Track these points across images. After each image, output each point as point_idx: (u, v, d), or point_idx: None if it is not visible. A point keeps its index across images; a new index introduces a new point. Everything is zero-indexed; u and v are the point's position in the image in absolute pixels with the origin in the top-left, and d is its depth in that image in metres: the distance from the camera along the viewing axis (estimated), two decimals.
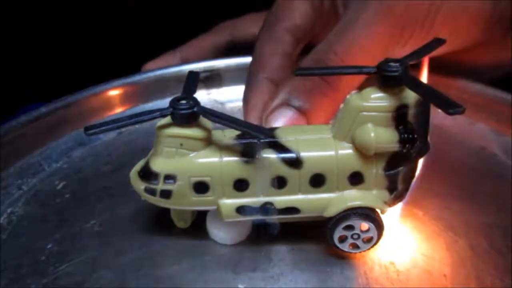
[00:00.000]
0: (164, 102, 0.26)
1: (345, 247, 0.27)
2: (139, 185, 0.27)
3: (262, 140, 0.26)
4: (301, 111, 0.31)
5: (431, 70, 0.37)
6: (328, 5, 0.39)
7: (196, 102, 0.25)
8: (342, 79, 0.32)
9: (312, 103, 0.31)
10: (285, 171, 0.26)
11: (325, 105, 0.32)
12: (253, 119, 0.33)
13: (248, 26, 0.46)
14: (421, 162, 0.27)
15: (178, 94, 0.26)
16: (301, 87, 0.32)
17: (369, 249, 0.27)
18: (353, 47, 0.33)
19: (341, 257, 0.28)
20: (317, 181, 0.26)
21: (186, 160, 0.26)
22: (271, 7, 0.39)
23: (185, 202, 0.26)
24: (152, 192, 0.26)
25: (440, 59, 0.36)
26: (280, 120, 0.31)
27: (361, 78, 0.29)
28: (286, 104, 0.31)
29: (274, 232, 0.28)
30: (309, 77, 0.32)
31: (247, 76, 0.36)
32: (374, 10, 0.33)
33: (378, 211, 0.27)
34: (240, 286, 0.26)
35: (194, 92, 0.26)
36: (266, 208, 0.26)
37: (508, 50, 0.38)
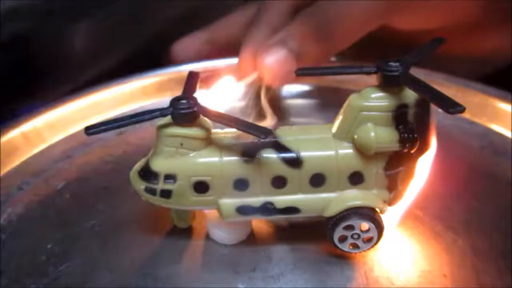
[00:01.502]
0: (164, 102, 0.26)
1: (345, 247, 0.27)
2: (139, 185, 0.27)
3: (262, 140, 0.26)
4: (292, 53, 0.33)
5: (431, 70, 0.37)
6: None
7: (196, 102, 0.25)
8: (338, 32, 0.34)
9: (305, 48, 0.33)
10: (285, 170, 0.26)
11: (316, 53, 0.34)
12: (247, 53, 0.35)
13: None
14: (428, 165, 0.27)
15: (178, 94, 0.26)
16: (298, 30, 0.34)
17: (369, 249, 0.27)
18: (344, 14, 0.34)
19: (341, 257, 0.28)
20: (317, 181, 0.26)
21: (186, 160, 0.26)
22: None
23: (185, 202, 0.26)
24: (152, 192, 0.26)
25: (440, 57, 0.36)
26: (272, 57, 0.33)
27: (358, 35, 0.31)
28: (281, 43, 0.33)
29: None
30: (309, 24, 0.34)
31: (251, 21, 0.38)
32: None
33: (378, 211, 0.27)
34: (240, 286, 0.26)
35: (194, 92, 0.26)
36: (266, 208, 0.26)
37: (508, 36, 0.38)
